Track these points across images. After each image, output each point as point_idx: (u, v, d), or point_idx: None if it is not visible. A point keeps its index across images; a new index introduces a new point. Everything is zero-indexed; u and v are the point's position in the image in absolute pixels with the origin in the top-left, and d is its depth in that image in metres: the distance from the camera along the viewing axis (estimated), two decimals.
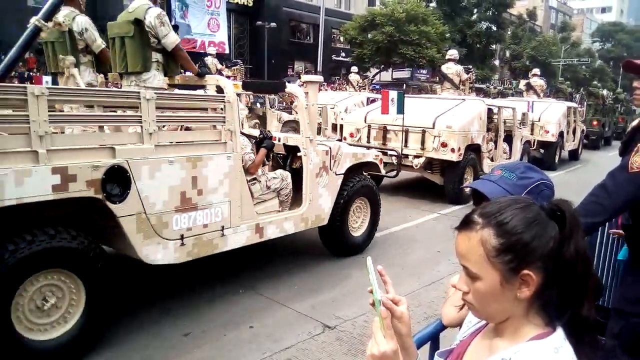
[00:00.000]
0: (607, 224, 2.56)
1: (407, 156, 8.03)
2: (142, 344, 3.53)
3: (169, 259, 3.62)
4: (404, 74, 35.89)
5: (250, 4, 31.89)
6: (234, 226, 4.06)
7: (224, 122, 3.93)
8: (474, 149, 8.42)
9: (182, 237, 3.66)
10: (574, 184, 9.81)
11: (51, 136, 2.95)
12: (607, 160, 14.10)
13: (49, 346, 3.07)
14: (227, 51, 30.04)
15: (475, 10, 38.67)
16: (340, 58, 36.70)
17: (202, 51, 26.32)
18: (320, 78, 5.72)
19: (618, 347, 2.01)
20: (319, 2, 28.24)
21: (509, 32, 43.42)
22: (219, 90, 4.24)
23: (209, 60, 12.57)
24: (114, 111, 4.03)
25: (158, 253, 3.54)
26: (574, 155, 15.16)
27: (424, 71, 36.43)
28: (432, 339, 1.60)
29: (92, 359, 3.29)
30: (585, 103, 19.71)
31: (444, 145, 7.83)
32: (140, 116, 3.37)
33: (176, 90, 4.63)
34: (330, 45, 35.51)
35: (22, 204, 2.81)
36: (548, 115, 12.80)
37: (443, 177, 8.38)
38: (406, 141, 8.09)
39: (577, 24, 65.60)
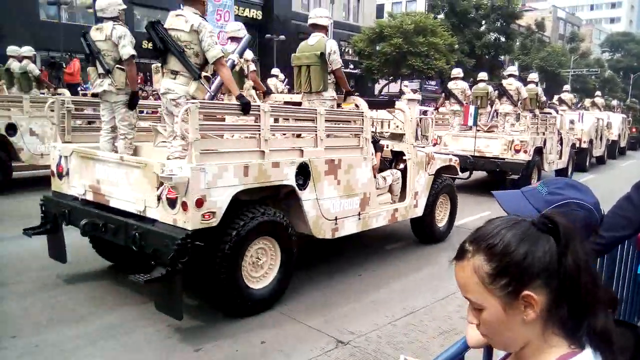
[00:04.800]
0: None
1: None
2: (152, 359, 3.50)
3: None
4: (413, 85, 35.96)
5: (259, 17, 32.15)
6: None
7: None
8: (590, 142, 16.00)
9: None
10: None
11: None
12: None
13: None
14: None
15: (483, 22, 38.65)
16: (348, 70, 36.81)
17: None
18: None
19: None
20: None
21: (518, 43, 43.38)
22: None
23: (272, 81, 12.93)
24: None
25: None
26: (622, 151, 21.81)
27: (433, 82, 36.43)
28: None
29: None
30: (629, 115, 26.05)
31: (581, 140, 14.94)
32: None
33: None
34: (342, 57, 35.62)
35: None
36: (612, 122, 19.33)
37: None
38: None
39: (586, 34, 65.42)
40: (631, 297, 2.98)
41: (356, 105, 5.47)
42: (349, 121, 5.37)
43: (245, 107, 4.06)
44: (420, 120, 9.44)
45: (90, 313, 4.16)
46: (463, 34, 36.32)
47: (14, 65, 9.80)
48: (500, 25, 38.76)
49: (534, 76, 12.31)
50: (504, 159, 10.18)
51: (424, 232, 6.53)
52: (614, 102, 29.47)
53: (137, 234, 3.90)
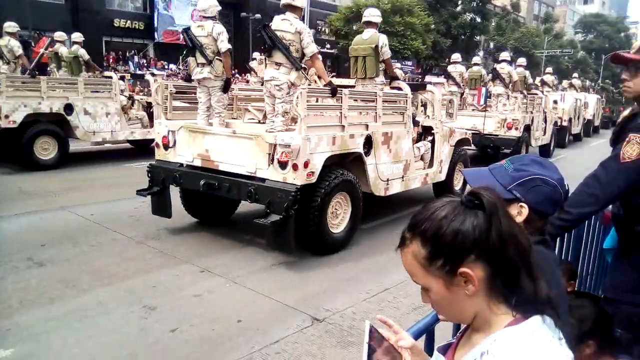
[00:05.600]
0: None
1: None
2: (127, 340, 3.50)
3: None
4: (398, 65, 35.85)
5: None
6: None
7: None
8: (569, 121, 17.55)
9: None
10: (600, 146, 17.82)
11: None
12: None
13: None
14: None
15: (459, 2, 38.76)
16: (325, 50, 36.54)
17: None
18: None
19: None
20: None
21: (493, 24, 43.62)
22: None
23: (254, 63, 14.08)
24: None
25: None
26: (595, 130, 23.41)
27: (409, 63, 36.45)
28: (427, 332, 1.59)
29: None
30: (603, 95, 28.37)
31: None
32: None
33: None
34: (315, 37, 35.28)
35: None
36: (588, 102, 21.11)
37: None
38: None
39: (560, 15, 66.16)
40: (596, 271, 3.08)
41: (399, 88, 6.58)
42: (396, 101, 6.39)
43: (333, 92, 5.21)
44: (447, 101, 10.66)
45: (63, 295, 4.14)
46: (439, 13, 36.36)
47: (62, 49, 10.54)
48: (476, 5, 38.88)
49: (522, 60, 13.96)
50: (497, 135, 11.52)
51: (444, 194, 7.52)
52: (588, 83, 30.83)
53: (252, 189, 4.92)
